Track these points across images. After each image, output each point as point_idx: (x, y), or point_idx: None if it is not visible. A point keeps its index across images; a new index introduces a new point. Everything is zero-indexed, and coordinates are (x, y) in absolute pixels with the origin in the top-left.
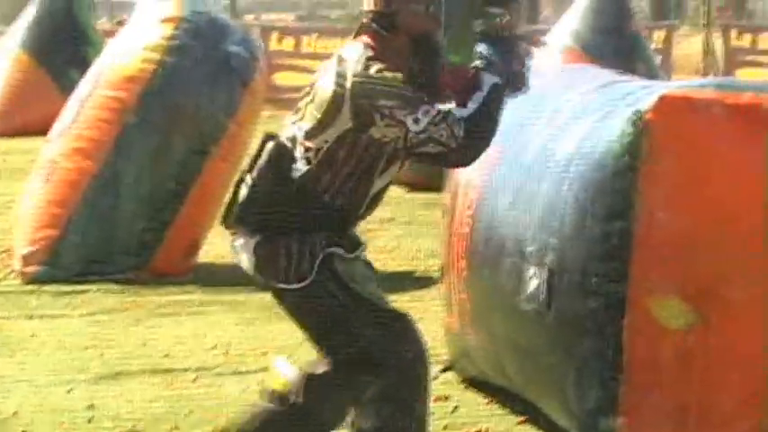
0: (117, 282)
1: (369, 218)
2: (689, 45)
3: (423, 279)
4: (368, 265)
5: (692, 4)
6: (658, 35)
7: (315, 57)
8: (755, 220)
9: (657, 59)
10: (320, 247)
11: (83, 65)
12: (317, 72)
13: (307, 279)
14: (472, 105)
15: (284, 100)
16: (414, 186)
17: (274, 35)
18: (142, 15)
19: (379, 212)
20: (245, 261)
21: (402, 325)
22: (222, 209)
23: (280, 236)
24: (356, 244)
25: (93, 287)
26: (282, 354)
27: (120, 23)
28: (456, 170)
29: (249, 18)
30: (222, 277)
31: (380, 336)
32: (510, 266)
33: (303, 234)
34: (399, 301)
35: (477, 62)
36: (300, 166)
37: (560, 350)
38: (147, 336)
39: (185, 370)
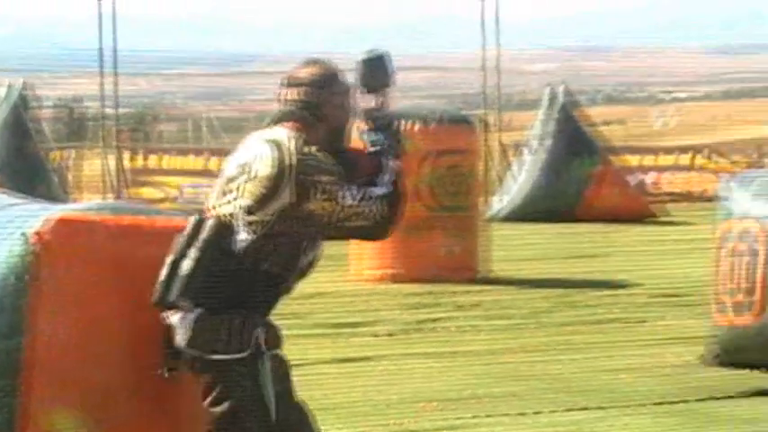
0: None
1: None
2: (91, 165)
3: None
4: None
5: (94, 125)
6: (58, 155)
7: None
8: (136, 337)
9: (58, 179)
10: (260, 326)
11: None
12: (237, 154)
13: (244, 352)
14: (383, 186)
15: None
16: None
17: None
18: None
19: None
20: (179, 335)
21: None
22: (158, 292)
23: (222, 310)
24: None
25: None
26: None
27: None
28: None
29: None
30: None
31: None
32: None
33: (245, 310)
34: None
35: (373, 148)
36: (243, 237)
37: None
38: None
39: None
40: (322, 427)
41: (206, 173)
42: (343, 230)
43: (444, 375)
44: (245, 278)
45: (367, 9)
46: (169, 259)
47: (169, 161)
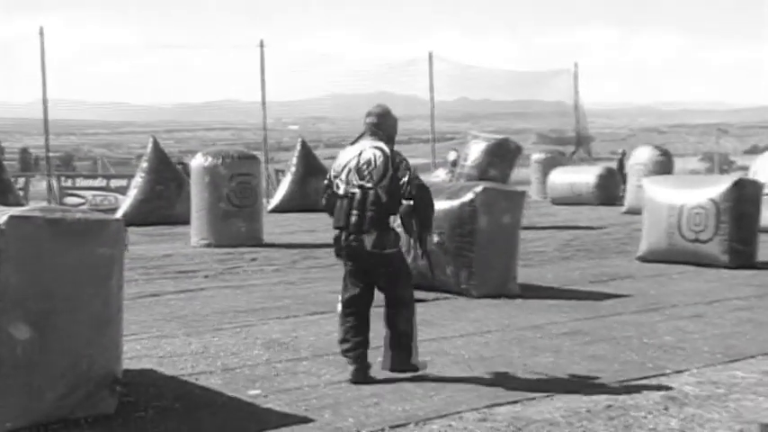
0: None
1: None
2: (35, 186)
3: None
4: None
5: (38, 164)
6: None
7: None
8: None
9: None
10: (398, 235)
11: None
12: (361, 156)
13: (398, 247)
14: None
15: None
16: None
17: None
18: None
19: None
20: (367, 243)
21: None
22: (352, 227)
23: (386, 231)
24: None
25: None
26: None
27: None
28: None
29: None
30: None
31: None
32: None
33: (393, 230)
34: None
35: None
36: (381, 194)
37: None
38: None
39: None
40: (171, 330)
41: (102, 189)
42: (415, 186)
43: (241, 298)
44: (389, 213)
45: (188, 92)
46: (356, 212)
47: (82, 182)
